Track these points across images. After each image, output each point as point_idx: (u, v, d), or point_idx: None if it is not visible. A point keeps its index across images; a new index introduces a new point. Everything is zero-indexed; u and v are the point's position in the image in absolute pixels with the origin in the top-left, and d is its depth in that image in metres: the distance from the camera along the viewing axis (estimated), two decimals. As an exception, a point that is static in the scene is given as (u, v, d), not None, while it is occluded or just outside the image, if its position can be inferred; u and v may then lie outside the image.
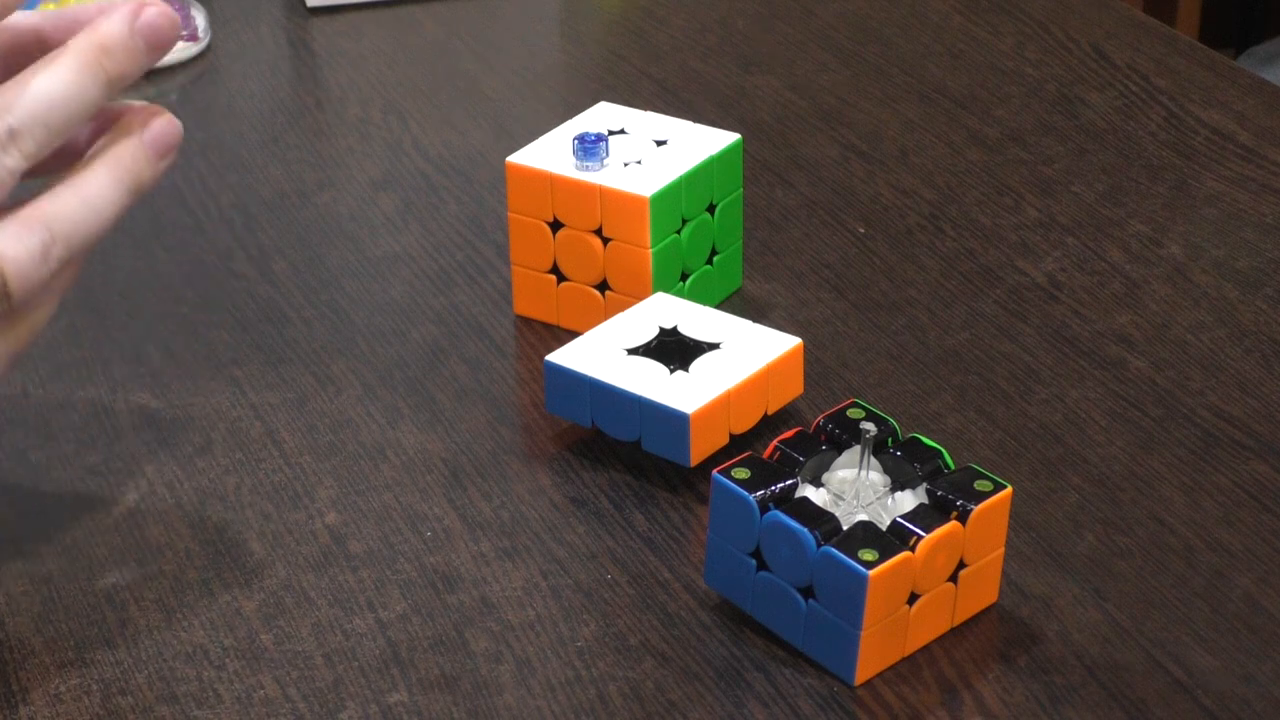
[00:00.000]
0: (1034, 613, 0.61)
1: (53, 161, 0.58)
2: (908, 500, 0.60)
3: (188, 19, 0.99)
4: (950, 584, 0.59)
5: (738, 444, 0.67)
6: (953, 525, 0.58)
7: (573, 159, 0.73)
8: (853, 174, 0.87)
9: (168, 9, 0.58)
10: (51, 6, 0.98)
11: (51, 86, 0.56)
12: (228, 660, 0.60)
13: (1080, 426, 0.69)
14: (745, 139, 0.76)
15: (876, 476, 0.61)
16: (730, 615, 0.61)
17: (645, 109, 0.78)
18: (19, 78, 0.56)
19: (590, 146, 0.73)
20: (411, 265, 0.81)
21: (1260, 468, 0.67)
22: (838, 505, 0.60)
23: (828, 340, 0.75)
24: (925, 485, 0.60)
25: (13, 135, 0.55)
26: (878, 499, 0.60)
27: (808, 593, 0.58)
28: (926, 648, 0.60)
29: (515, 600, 0.62)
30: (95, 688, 0.59)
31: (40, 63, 0.56)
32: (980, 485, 0.59)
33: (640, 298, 0.72)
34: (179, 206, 0.79)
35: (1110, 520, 0.65)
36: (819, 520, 0.58)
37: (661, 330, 0.69)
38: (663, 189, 0.72)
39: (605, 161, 0.73)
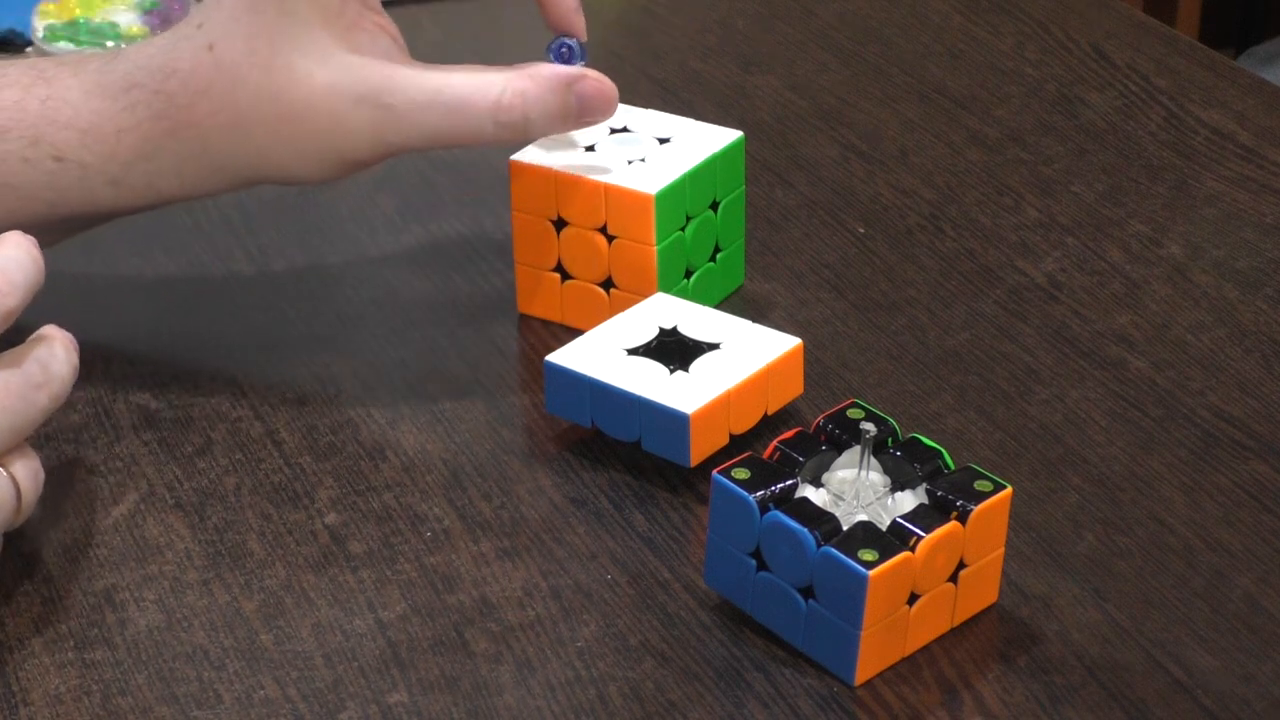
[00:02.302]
0: (1034, 613, 0.61)
1: None
2: (908, 500, 0.60)
3: (188, 19, 0.99)
4: (950, 584, 0.59)
5: (738, 444, 0.67)
6: (953, 525, 0.58)
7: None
8: (853, 174, 0.87)
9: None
10: (52, 8, 0.98)
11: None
12: (228, 661, 0.60)
13: (1080, 426, 0.69)
14: (745, 139, 0.76)
15: (876, 477, 0.61)
16: (730, 615, 0.61)
17: (646, 109, 0.78)
18: None
19: (562, 52, 0.72)
20: (411, 265, 0.81)
21: (1260, 468, 0.67)
22: (838, 505, 0.60)
23: (828, 340, 0.75)
24: (925, 485, 0.60)
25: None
26: (878, 499, 0.60)
27: (808, 593, 0.58)
28: (926, 648, 0.60)
29: (515, 601, 0.62)
30: (95, 688, 0.59)
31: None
32: (980, 485, 0.59)
33: (645, 295, 0.72)
34: (179, 207, 0.79)
35: (1110, 520, 0.65)
36: (819, 520, 0.58)
37: (661, 330, 0.69)
38: (667, 186, 0.72)
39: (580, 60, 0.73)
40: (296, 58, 0.68)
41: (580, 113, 0.70)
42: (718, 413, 0.66)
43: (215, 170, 0.70)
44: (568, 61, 0.72)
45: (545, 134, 0.71)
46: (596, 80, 0.71)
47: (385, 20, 0.71)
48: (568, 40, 0.73)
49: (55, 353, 0.62)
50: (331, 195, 0.86)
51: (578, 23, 0.73)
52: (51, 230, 0.72)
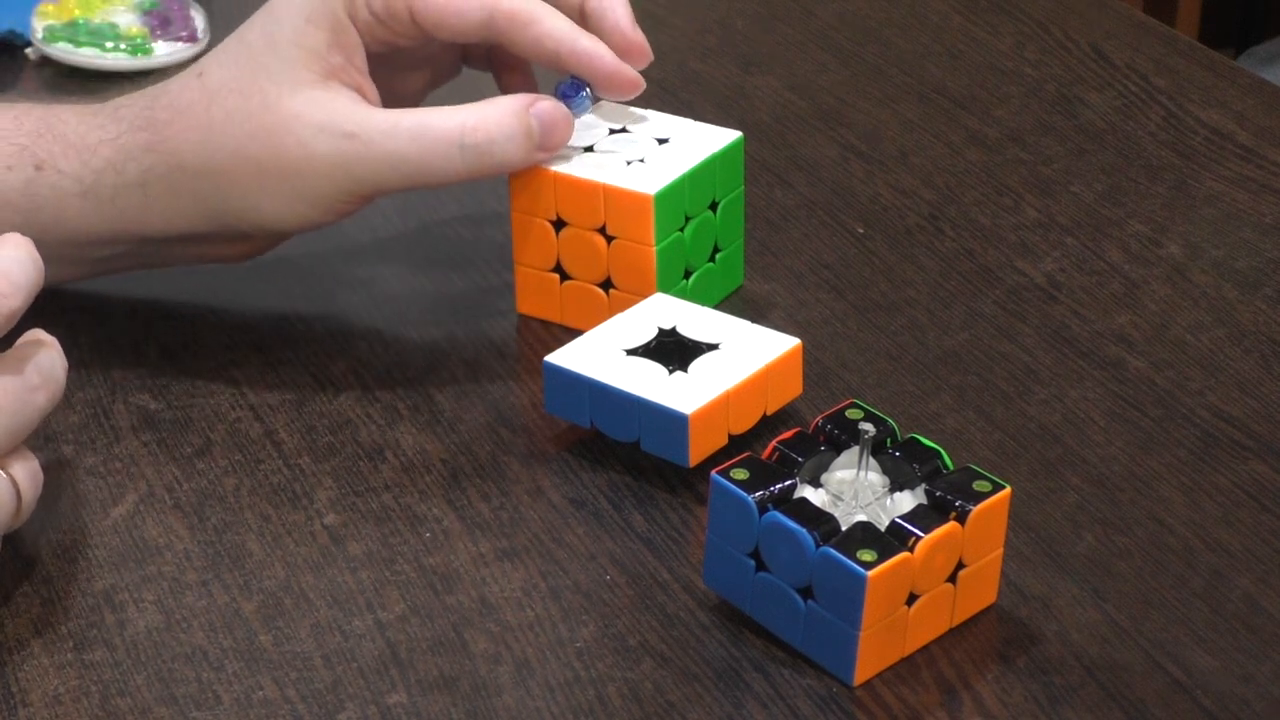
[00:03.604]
0: (1033, 613, 0.61)
1: None
2: (906, 501, 0.60)
3: (187, 19, 0.99)
4: (949, 584, 0.59)
5: (737, 445, 0.67)
6: (951, 526, 0.58)
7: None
8: (852, 174, 0.87)
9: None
10: (51, 9, 0.98)
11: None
12: (227, 661, 0.60)
13: (1079, 427, 0.69)
14: (745, 139, 0.76)
15: (875, 477, 0.61)
16: (729, 616, 0.61)
17: (645, 109, 0.78)
18: None
19: (570, 97, 0.73)
20: (411, 266, 0.81)
21: (1260, 468, 0.67)
22: (836, 506, 0.60)
23: (827, 341, 0.75)
24: (924, 486, 0.60)
25: None
26: (876, 499, 0.60)
27: (806, 593, 0.58)
28: (925, 648, 0.60)
29: (514, 601, 0.62)
30: (94, 689, 0.59)
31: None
32: (979, 486, 0.59)
33: (644, 295, 0.72)
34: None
35: (1109, 520, 0.65)
36: (818, 521, 0.58)
37: (660, 331, 0.69)
38: (666, 187, 0.72)
39: (589, 105, 0.74)
40: (270, 86, 0.70)
41: (541, 134, 0.71)
42: (717, 413, 0.66)
43: (181, 195, 0.72)
44: (567, 98, 0.73)
45: (511, 160, 0.71)
46: (552, 103, 0.72)
47: (367, 84, 0.73)
48: (577, 80, 0.73)
49: (50, 355, 0.63)
50: (331, 196, 0.86)
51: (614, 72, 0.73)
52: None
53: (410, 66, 0.77)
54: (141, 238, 0.74)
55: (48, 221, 0.72)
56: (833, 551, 0.56)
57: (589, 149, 0.75)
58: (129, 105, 0.73)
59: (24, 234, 0.69)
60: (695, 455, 0.66)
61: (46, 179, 0.72)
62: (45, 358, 0.62)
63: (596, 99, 0.74)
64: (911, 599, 0.58)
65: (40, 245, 0.70)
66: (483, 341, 0.76)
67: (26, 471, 0.61)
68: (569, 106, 0.73)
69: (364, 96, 0.72)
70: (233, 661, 0.60)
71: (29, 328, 0.63)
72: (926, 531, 0.57)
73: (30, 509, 0.62)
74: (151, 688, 0.59)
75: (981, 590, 0.60)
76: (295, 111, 0.70)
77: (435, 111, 0.71)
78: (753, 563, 0.59)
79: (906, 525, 0.58)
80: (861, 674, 0.58)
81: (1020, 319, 0.76)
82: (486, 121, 0.70)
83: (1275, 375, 0.72)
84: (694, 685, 0.59)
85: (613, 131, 0.76)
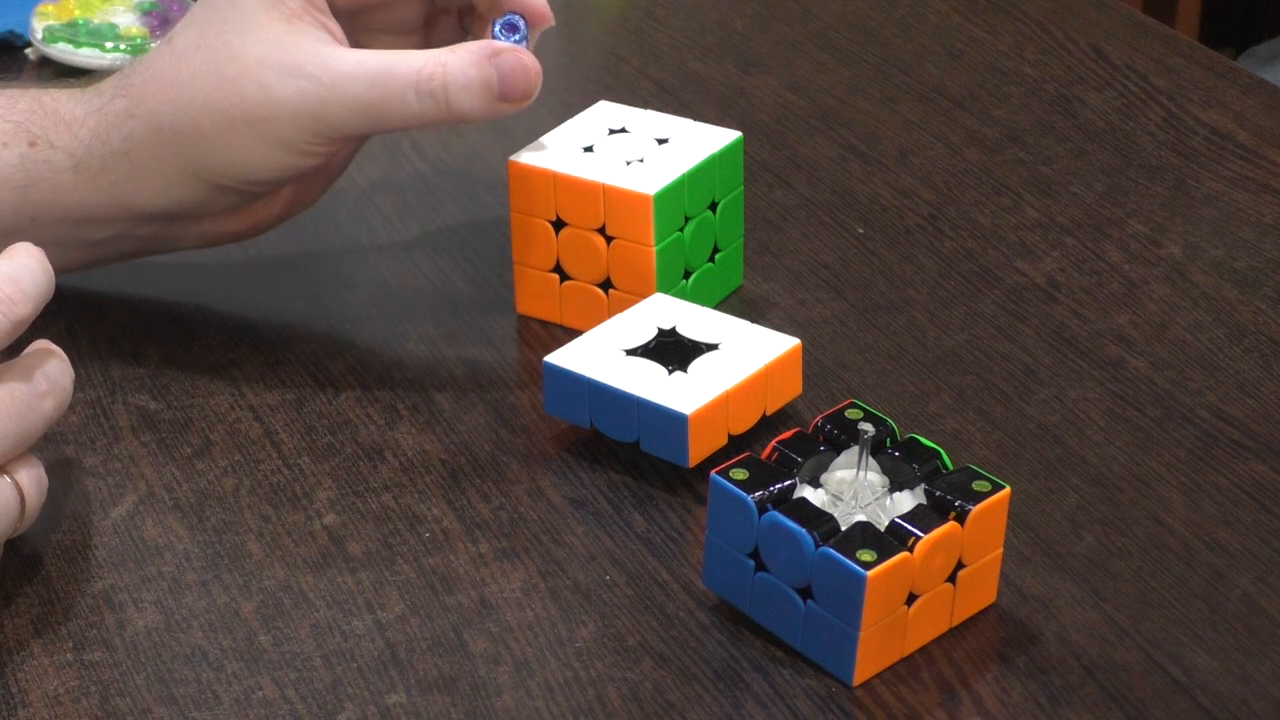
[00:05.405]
0: (1032, 613, 0.61)
1: None
2: (906, 501, 0.60)
3: (187, 20, 0.99)
4: (949, 584, 0.59)
5: (736, 445, 0.67)
6: (951, 526, 0.58)
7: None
8: (852, 174, 0.87)
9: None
10: (50, 9, 0.98)
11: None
12: (226, 662, 0.60)
13: (1079, 427, 0.69)
14: (744, 139, 0.76)
15: (875, 477, 0.61)
16: (729, 616, 0.61)
17: (644, 109, 0.78)
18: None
19: (508, 38, 0.72)
20: (411, 266, 0.81)
21: (1259, 468, 0.67)
22: (836, 506, 0.60)
23: (826, 341, 0.75)
24: (923, 486, 0.60)
25: None
26: (876, 500, 0.60)
27: (806, 593, 0.58)
28: (925, 648, 0.60)
29: (514, 601, 0.62)
30: (94, 689, 0.59)
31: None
32: (978, 486, 0.59)
33: (644, 296, 0.72)
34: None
35: (1109, 520, 0.65)
36: (817, 521, 0.58)
37: (660, 331, 0.69)
38: (666, 187, 0.72)
39: (523, 38, 0.72)
40: (234, 38, 0.71)
41: (500, 86, 0.70)
42: (716, 413, 0.66)
43: (164, 158, 0.72)
44: (508, 38, 0.72)
45: (468, 110, 0.70)
46: (516, 55, 0.71)
47: (331, 22, 0.73)
48: (514, 17, 0.72)
49: (58, 364, 0.63)
50: (330, 197, 0.86)
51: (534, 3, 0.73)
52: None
53: (391, 30, 0.77)
54: (137, 213, 0.74)
55: (43, 198, 0.73)
56: (832, 551, 0.56)
57: (588, 149, 0.75)
58: (111, 81, 0.74)
59: (21, 212, 0.70)
60: (695, 455, 0.66)
61: (40, 154, 0.73)
62: (54, 366, 0.63)
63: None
64: (911, 599, 0.58)
65: (39, 226, 0.70)
66: (483, 341, 0.76)
67: (32, 478, 0.62)
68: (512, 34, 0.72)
69: (329, 32, 0.72)
70: (232, 661, 0.60)
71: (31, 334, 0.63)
72: (926, 531, 0.57)
73: (35, 515, 0.62)
74: (151, 688, 0.59)
75: (981, 590, 0.60)
76: (257, 57, 0.70)
77: (400, 55, 0.70)
78: (752, 563, 0.59)
79: (906, 525, 0.58)
80: (861, 674, 0.58)
81: (1020, 319, 0.76)
82: (446, 69, 0.70)
83: (1275, 375, 0.72)
84: (693, 685, 0.59)
85: (612, 131, 0.76)
